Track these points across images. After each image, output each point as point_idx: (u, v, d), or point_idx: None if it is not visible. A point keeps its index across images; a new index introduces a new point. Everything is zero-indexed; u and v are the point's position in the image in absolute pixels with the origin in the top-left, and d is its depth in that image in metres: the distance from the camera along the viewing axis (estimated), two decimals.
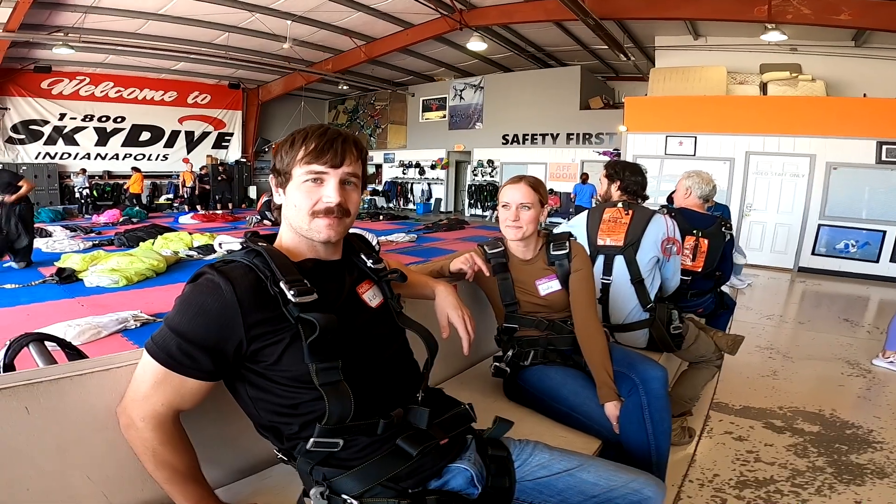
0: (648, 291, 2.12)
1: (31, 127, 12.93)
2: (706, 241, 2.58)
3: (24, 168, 12.52)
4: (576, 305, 1.68)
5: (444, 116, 15.64)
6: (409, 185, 16.71)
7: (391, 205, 16.74)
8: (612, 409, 1.50)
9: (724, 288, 2.96)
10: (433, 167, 16.12)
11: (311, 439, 0.95)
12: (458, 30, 10.06)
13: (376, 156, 17.36)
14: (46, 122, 13.12)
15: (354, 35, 11.22)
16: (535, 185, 1.70)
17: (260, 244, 1.00)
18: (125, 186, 13.59)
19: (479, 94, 14.79)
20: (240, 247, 1.02)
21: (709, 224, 2.63)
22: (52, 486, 0.93)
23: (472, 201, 15.16)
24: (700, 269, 2.59)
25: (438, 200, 16.20)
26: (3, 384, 0.89)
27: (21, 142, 12.83)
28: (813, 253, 7.93)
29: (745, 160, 8.30)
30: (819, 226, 7.89)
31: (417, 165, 16.41)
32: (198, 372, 0.92)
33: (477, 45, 10.49)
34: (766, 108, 8.17)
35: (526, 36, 11.49)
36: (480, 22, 9.94)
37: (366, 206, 16.37)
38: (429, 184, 16.36)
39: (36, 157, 12.97)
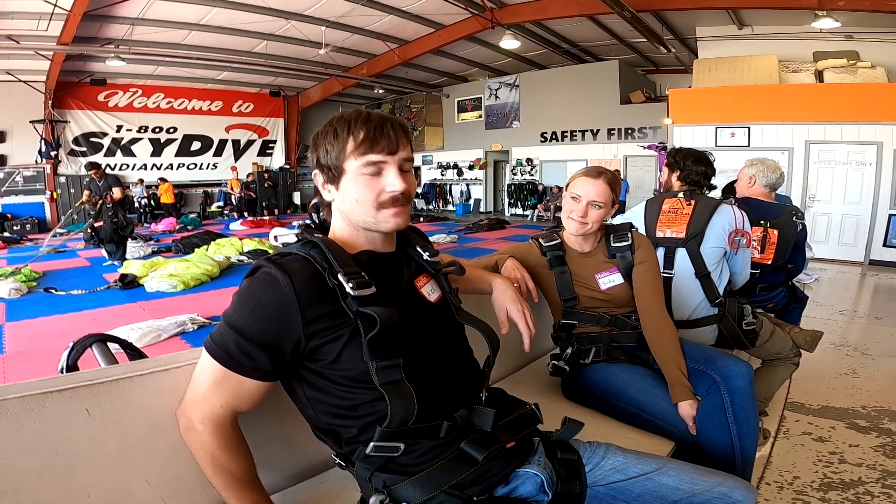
0: (716, 285, 1.97)
1: (91, 139, 13.72)
2: (776, 232, 2.39)
3: (87, 180, 13.28)
4: (641, 299, 1.57)
5: (480, 116, 15.58)
6: (448, 187, 16.72)
7: (430, 206, 16.77)
8: (687, 408, 1.38)
9: None
10: (471, 168, 16.08)
11: (371, 443, 0.90)
12: (490, 29, 9.99)
13: (414, 158, 17.42)
14: (105, 135, 13.89)
15: (387, 38, 11.33)
16: (613, 183, 1.57)
17: (316, 235, 0.95)
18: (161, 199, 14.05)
19: (514, 93, 14.64)
20: (295, 238, 0.97)
21: (778, 214, 2.44)
22: (112, 491, 0.91)
23: (511, 201, 15.00)
24: (770, 262, 2.41)
25: (478, 201, 16.13)
26: (64, 385, 0.87)
27: (83, 154, 13.58)
28: (885, 244, 7.38)
29: (804, 149, 7.84)
30: (890, 216, 7.35)
31: (455, 166, 16.41)
32: (256, 372, 0.88)
33: (510, 43, 10.38)
34: (825, 96, 7.75)
35: (560, 32, 11.28)
36: (512, 20, 9.84)
37: None
38: (467, 184, 16.32)
39: None
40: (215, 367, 0.88)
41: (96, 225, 7.17)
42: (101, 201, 7.00)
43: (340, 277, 0.88)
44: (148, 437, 0.95)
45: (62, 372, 1.27)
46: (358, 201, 0.95)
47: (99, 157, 13.63)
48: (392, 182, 0.94)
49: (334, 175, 0.96)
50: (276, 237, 7.38)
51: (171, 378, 0.98)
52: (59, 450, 0.85)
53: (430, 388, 0.94)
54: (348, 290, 0.88)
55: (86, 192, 7.39)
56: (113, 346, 1.39)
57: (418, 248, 1.08)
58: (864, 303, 5.60)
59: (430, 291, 1.05)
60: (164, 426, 0.95)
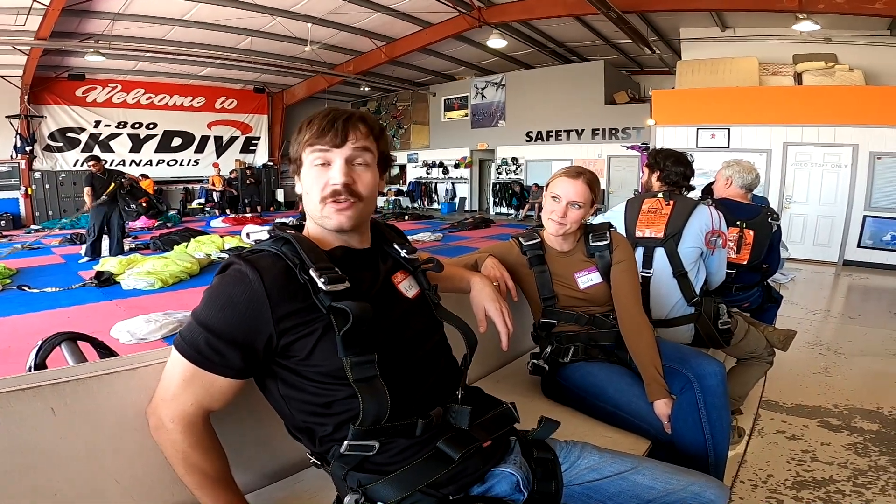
0: (693, 285, 2.00)
1: (68, 135, 13.30)
2: (751, 233, 2.44)
3: (63, 175, 12.95)
4: (619, 298, 1.59)
5: (467, 115, 15.57)
6: (434, 185, 16.68)
7: (416, 205, 16.74)
8: (662, 407, 1.41)
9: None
10: (457, 166, 16.07)
11: (346, 442, 0.89)
12: (478, 27, 9.99)
13: (400, 156, 17.41)
14: (83, 130, 13.48)
15: (374, 36, 11.26)
16: (592, 183, 1.58)
17: (288, 231, 0.95)
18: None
19: (500, 92, 14.67)
20: (267, 236, 0.96)
21: (753, 214, 2.49)
22: (80, 490, 0.89)
23: (496, 200, 15.03)
24: (746, 262, 2.45)
25: (463, 199, 16.14)
26: (28, 384, 0.85)
27: (59, 149, 13.20)
28: (859, 245, 7.59)
29: (782, 151, 8.01)
30: (864, 217, 7.55)
31: (441, 165, 16.38)
32: (227, 369, 0.87)
33: (497, 42, 10.40)
34: (803, 99, 7.92)
35: (546, 32, 11.33)
36: (499, 19, 9.86)
37: (391, 206, 16.42)
38: (453, 183, 16.31)
39: (74, 165, 13.17)
40: (185, 364, 0.86)
41: (143, 203, 7.27)
42: (125, 184, 7.08)
43: (312, 273, 0.88)
44: (117, 435, 0.94)
45: (30, 370, 1.24)
46: (308, 194, 0.96)
47: (76, 153, 13.27)
48: (333, 175, 0.93)
49: (296, 167, 0.98)
50: (247, 234, 7.24)
51: (140, 377, 0.96)
52: (25, 449, 0.84)
53: (406, 385, 0.93)
54: (320, 284, 0.87)
55: (87, 189, 7.13)
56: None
57: (395, 246, 1.07)
58: (837, 302, 5.73)
59: (407, 287, 1.04)
60: (134, 425, 0.93)
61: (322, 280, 0.87)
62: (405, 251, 1.07)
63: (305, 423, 0.93)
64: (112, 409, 0.93)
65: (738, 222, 2.44)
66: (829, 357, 3.59)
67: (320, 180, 0.94)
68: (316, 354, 0.88)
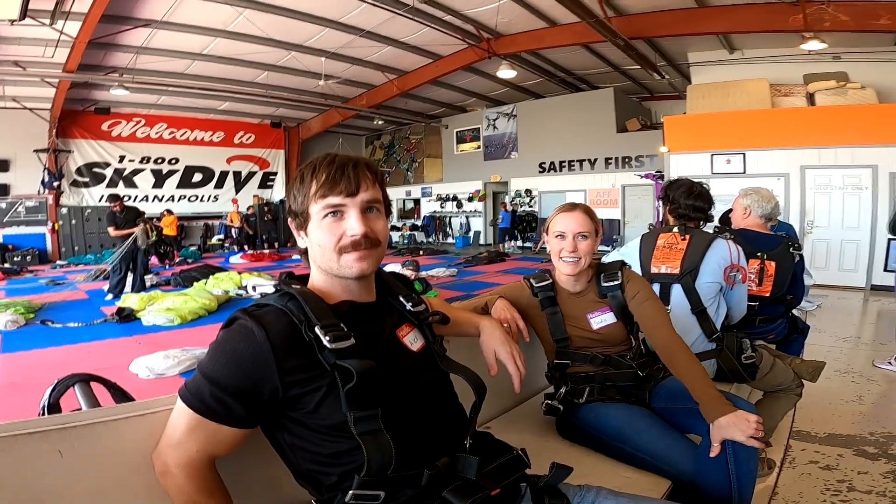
0: (713, 320, 1.95)
1: (94, 170, 13.72)
2: (773, 264, 2.38)
3: (89, 210, 13.33)
4: (650, 330, 1.52)
5: (479, 147, 15.73)
6: (448, 219, 16.72)
7: (430, 239, 16.74)
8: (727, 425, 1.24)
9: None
10: (470, 199, 16.11)
11: (351, 491, 0.87)
12: (487, 58, 10.21)
13: (413, 190, 17.60)
14: (108, 165, 13.91)
15: (386, 69, 11.56)
16: (590, 212, 1.59)
17: (294, 286, 0.95)
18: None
19: (512, 123, 14.82)
20: (273, 290, 0.97)
21: (774, 245, 2.42)
22: None
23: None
24: (768, 294, 2.38)
25: (477, 233, 16.11)
26: (36, 428, 0.87)
27: (85, 185, 13.60)
28: (885, 269, 7.35)
29: (800, 175, 7.90)
30: (889, 240, 7.34)
31: (455, 198, 16.44)
32: (231, 419, 0.86)
33: (506, 72, 10.59)
34: (818, 120, 7.87)
35: (555, 61, 11.54)
36: (508, 49, 10.05)
37: (405, 241, 16.46)
38: (467, 217, 16.33)
39: (99, 200, 13.34)
40: (190, 414, 0.86)
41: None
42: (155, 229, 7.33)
43: (317, 330, 0.87)
44: (125, 478, 0.94)
45: (43, 410, 1.25)
46: (321, 247, 0.95)
47: (101, 188, 13.64)
48: (352, 226, 0.93)
49: (302, 221, 0.96)
50: (253, 287, 7.32)
51: (148, 422, 0.96)
52: (33, 490, 0.85)
53: (411, 436, 0.92)
54: (325, 342, 0.87)
55: (111, 228, 7.37)
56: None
57: (402, 299, 1.07)
58: (867, 329, 5.54)
59: (412, 341, 1.03)
60: (141, 469, 0.94)
61: (327, 338, 0.87)
62: (411, 304, 1.06)
63: (311, 472, 0.92)
64: (119, 453, 0.94)
65: (758, 253, 2.37)
66: (861, 385, 3.46)
67: (335, 231, 0.93)
68: (322, 409, 0.88)
